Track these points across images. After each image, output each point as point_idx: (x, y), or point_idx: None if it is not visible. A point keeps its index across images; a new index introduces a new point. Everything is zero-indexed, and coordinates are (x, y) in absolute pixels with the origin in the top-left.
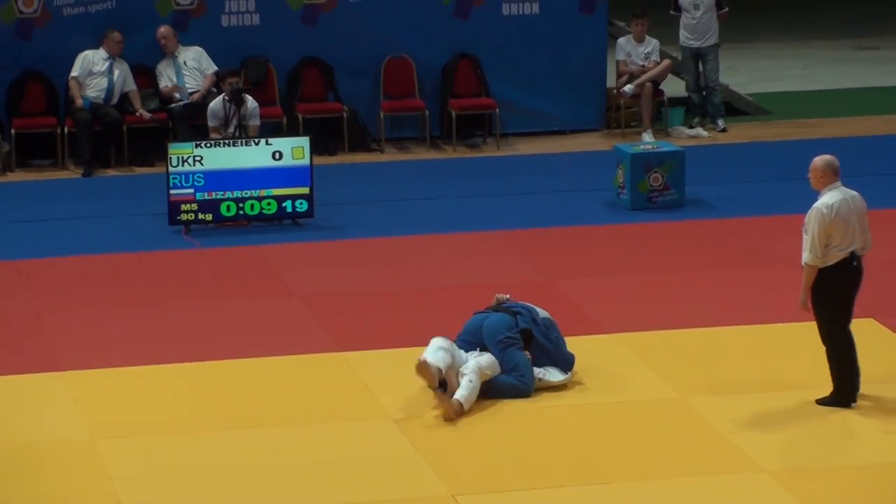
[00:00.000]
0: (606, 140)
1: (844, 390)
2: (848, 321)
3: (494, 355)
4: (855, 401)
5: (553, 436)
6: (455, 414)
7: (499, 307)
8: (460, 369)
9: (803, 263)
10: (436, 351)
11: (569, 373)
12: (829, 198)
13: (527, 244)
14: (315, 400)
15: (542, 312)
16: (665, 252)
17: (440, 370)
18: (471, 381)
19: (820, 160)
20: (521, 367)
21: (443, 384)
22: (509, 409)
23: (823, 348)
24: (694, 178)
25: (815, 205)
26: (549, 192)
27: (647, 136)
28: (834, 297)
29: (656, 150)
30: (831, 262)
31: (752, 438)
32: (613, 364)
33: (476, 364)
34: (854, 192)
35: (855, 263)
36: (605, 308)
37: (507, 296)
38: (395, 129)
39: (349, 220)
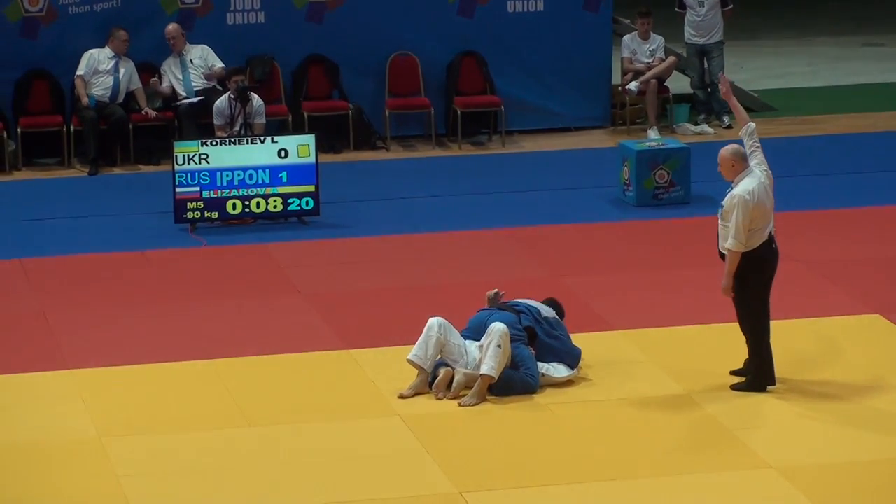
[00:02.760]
0: (612, 137)
1: (764, 375)
2: (768, 304)
3: None
4: (773, 384)
5: (560, 432)
6: (486, 389)
7: (503, 305)
8: (484, 338)
9: (726, 249)
10: (422, 345)
11: (574, 369)
12: (748, 183)
13: (533, 241)
14: (322, 397)
15: (547, 310)
16: (671, 249)
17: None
18: (499, 347)
19: (726, 150)
20: (526, 360)
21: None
22: (516, 406)
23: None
24: (699, 175)
25: (736, 191)
26: (554, 190)
27: (653, 133)
28: (758, 280)
29: (662, 146)
30: (754, 245)
31: (760, 434)
32: (620, 360)
33: (500, 328)
34: (762, 169)
35: (774, 245)
36: (612, 305)
37: (497, 291)
38: (400, 127)
39: (355, 217)
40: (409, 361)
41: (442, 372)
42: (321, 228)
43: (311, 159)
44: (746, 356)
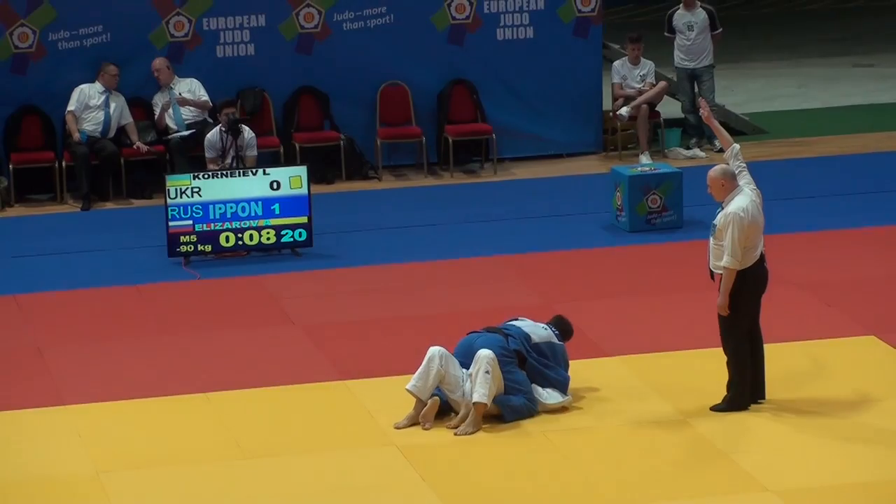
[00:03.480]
0: (604, 163)
1: (743, 393)
2: (758, 323)
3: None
4: (755, 401)
5: (558, 460)
6: (482, 416)
7: (492, 328)
8: (472, 365)
9: (721, 268)
10: (422, 377)
11: (567, 395)
12: (741, 201)
13: (526, 268)
14: (318, 429)
15: (541, 335)
16: (665, 273)
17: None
18: (487, 373)
19: (715, 171)
20: (523, 384)
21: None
22: (510, 434)
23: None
24: (692, 199)
25: (729, 209)
26: (547, 216)
27: (645, 158)
28: (749, 299)
29: (654, 171)
30: (748, 263)
31: (754, 456)
32: (615, 386)
33: (487, 355)
34: (751, 187)
35: (765, 264)
36: (606, 330)
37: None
38: (392, 157)
39: (348, 248)
40: (409, 391)
41: (429, 403)
42: (314, 259)
43: (304, 191)
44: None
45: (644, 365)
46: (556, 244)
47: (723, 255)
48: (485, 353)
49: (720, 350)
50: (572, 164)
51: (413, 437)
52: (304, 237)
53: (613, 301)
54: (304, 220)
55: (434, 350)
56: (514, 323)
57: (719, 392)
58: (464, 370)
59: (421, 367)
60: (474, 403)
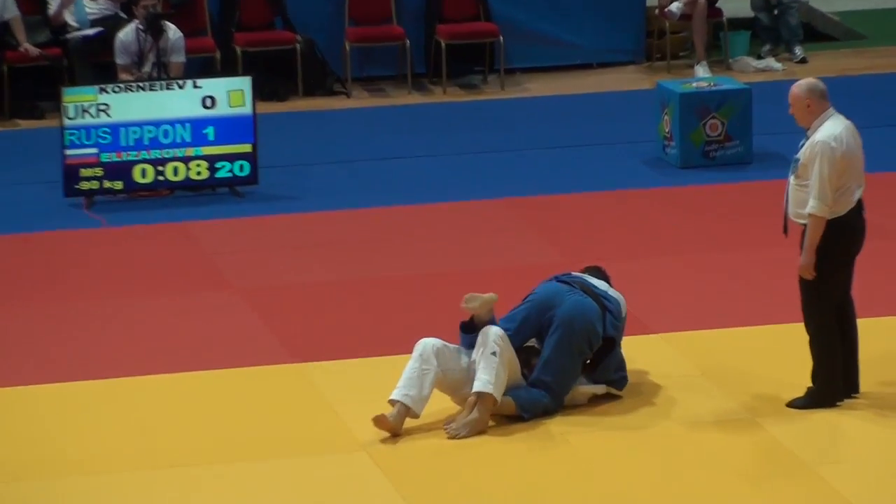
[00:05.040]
0: (648, 76)
1: (831, 385)
2: (849, 292)
3: (549, 350)
4: (848, 396)
5: (577, 471)
6: (489, 413)
7: (583, 284)
8: (476, 347)
9: (805, 217)
10: (408, 383)
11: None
12: (832, 127)
13: (543, 216)
14: (270, 427)
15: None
16: (726, 224)
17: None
18: (494, 356)
19: (800, 87)
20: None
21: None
22: (519, 436)
23: None
24: (764, 125)
25: (818, 137)
26: (570, 147)
27: (702, 70)
28: (840, 260)
29: (714, 88)
30: (841, 212)
31: (848, 471)
32: (660, 373)
33: (495, 332)
34: (848, 120)
35: (863, 214)
36: (649, 299)
37: (483, 296)
38: (365, 66)
39: (304, 187)
40: (395, 403)
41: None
42: (260, 202)
43: (247, 109)
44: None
45: (697, 345)
46: (583, 184)
47: (808, 200)
48: (493, 331)
49: (801, 327)
50: (605, 78)
51: (383, 438)
52: (246, 172)
53: (658, 261)
54: (246, 148)
55: (426, 344)
56: (590, 281)
57: (799, 383)
58: (470, 356)
59: (409, 369)
60: (477, 394)
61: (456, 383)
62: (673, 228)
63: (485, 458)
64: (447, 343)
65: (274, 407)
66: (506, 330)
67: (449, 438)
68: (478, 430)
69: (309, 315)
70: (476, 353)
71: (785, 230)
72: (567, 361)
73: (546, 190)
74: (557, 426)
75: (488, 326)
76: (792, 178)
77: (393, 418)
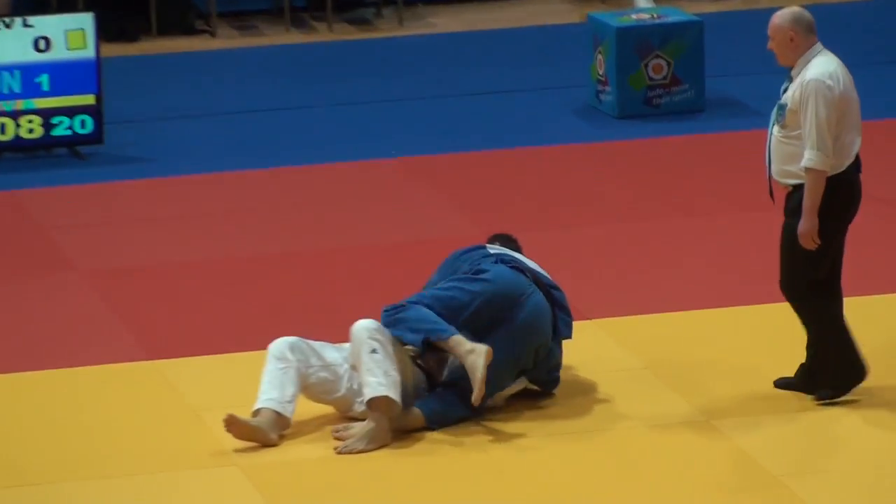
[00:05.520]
0: (577, 7)
1: (844, 370)
2: (840, 263)
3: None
4: (861, 379)
5: (498, 489)
6: (387, 421)
7: (504, 255)
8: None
9: (801, 171)
10: (269, 387)
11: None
12: (825, 64)
13: (451, 178)
14: (125, 438)
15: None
16: (674, 186)
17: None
18: (374, 353)
19: (783, 16)
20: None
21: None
22: (408, 444)
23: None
24: (718, 66)
25: (808, 76)
26: (484, 94)
27: (643, 0)
28: (835, 225)
29: (658, 20)
30: (839, 167)
31: (819, 482)
32: (592, 366)
33: (362, 326)
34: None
35: (860, 171)
36: (581, 279)
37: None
38: None
39: (160, 147)
40: (258, 412)
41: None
42: (106, 165)
43: (90, 53)
44: (807, 351)
45: (640, 333)
46: (500, 139)
47: (797, 154)
48: (360, 326)
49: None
50: (525, 10)
51: (258, 450)
52: (89, 129)
53: (590, 231)
54: (89, 100)
55: (277, 343)
56: (530, 264)
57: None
58: (342, 352)
59: (266, 373)
60: (369, 401)
61: (326, 384)
62: (608, 191)
63: (384, 474)
64: (308, 340)
65: (129, 413)
66: (450, 320)
67: (339, 453)
68: (378, 442)
69: (167, 302)
70: (352, 358)
71: (771, 194)
72: (504, 371)
73: (455, 147)
74: (474, 435)
75: (356, 323)
76: (775, 130)
77: (261, 426)
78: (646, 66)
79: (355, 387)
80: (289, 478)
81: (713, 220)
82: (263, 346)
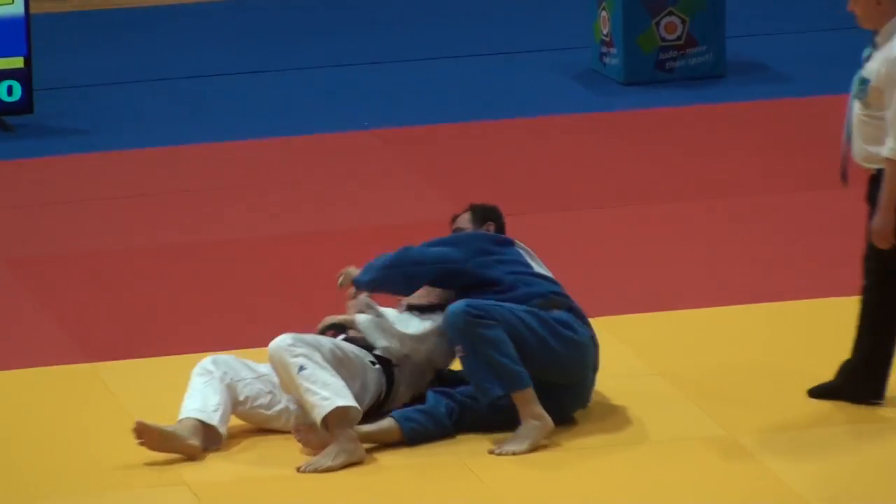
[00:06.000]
0: None
1: (877, 374)
2: None
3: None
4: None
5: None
6: (348, 436)
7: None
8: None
9: (884, 159)
10: (201, 389)
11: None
12: None
13: (431, 154)
14: (62, 452)
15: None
16: (688, 162)
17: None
18: (303, 370)
19: None
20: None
21: None
22: (405, 461)
23: None
24: (739, 26)
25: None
26: (472, 57)
27: None
28: None
29: None
30: None
31: None
32: (603, 374)
33: (276, 346)
34: None
35: None
36: (582, 270)
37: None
38: None
39: (97, 117)
40: (184, 422)
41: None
42: (36, 138)
43: (18, 9)
44: (851, 358)
45: (648, 333)
46: (489, 108)
47: (882, 137)
48: (276, 347)
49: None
50: None
51: (206, 467)
52: (17, 96)
53: (592, 214)
54: (17, 63)
55: (201, 363)
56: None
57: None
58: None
59: (188, 389)
60: (322, 422)
61: (261, 396)
62: (612, 169)
63: (351, 493)
64: (240, 359)
65: (64, 423)
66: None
67: (301, 472)
68: (345, 457)
69: (102, 295)
70: (282, 385)
71: (843, 176)
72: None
73: (437, 118)
74: (459, 453)
75: (271, 345)
76: (857, 106)
77: (177, 431)
78: (657, 24)
79: (285, 402)
80: (243, 499)
81: (734, 203)
82: (216, 345)
